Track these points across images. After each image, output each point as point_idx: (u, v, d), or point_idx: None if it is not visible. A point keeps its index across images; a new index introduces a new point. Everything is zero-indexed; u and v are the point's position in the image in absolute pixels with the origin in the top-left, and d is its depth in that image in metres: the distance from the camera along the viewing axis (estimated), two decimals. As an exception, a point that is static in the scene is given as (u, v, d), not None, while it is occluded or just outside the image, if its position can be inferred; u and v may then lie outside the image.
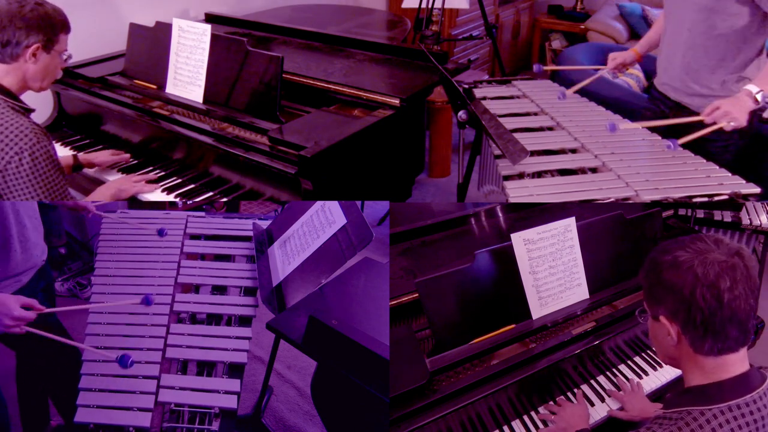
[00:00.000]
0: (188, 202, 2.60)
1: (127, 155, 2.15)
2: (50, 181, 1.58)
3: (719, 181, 1.70)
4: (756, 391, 0.99)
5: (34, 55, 1.59)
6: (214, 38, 2.07)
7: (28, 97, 1.70)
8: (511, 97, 2.32)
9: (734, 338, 0.98)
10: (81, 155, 2.09)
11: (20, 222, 1.71)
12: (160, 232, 2.00)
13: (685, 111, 2.11)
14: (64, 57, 1.68)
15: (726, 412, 0.96)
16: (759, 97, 1.81)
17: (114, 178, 2.05)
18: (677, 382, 1.63)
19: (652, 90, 2.33)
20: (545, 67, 2.43)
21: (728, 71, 2.01)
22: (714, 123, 1.84)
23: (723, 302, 0.95)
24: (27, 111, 1.63)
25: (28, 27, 1.56)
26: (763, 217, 2.32)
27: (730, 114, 1.81)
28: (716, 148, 1.97)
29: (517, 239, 1.56)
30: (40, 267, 1.80)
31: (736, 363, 1.00)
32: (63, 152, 2.23)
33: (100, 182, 2.06)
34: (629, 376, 1.63)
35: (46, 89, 1.72)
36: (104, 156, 2.11)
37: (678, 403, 1.01)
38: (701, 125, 1.87)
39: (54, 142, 2.25)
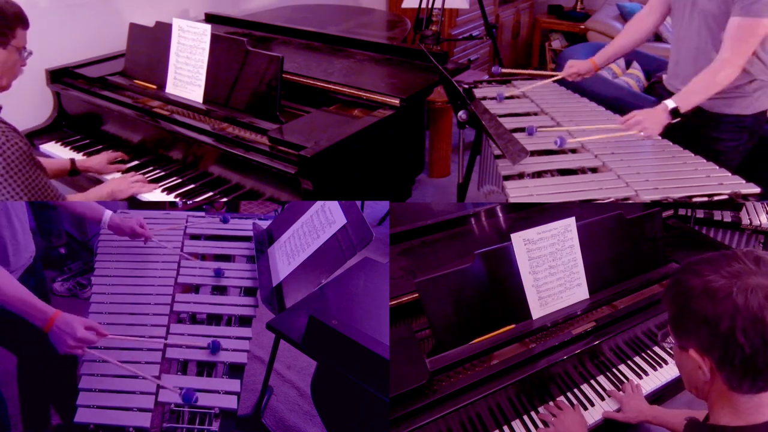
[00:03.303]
0: (188, 202, 2.60)
1: (121, 155, 2.14)
2: (28, 179, 1.54)
3: (719, 181, 1.70)
4: None
5: None
6: (214, 38, 2.07)
7: (27, 97, 1.68)
8: (511, 97, 2.32)
9: None
10: (78, 161, 2.07)
11: (11, 223, 1.68)
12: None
13: (699, 111, 2.09)
14: (25, 54, 1.64)
15: None
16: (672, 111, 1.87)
17: (114, 177, 2.05)
18: (677, 382, 1.63)
19: (660, 90, 2.31)
20: (503, 69, 2.45)
21: (741, 74, 2.00)
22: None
23: None
24: None
25: None
26: (763, 217, 2.33)
27: (642, 124, 1.88)
28: (726, 147, 1.97)
29: (517, 239, 1.56)
30: (29, 266, 1.78)
31: None
32: (63, 152, 2.23)
33: (100, 183, 2.06)
34: (629, 376, 1.63)
35: (7, 88, 1.66)
36: (100, 159, 2.08)
37: None
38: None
39: (54, 142, 2.28)
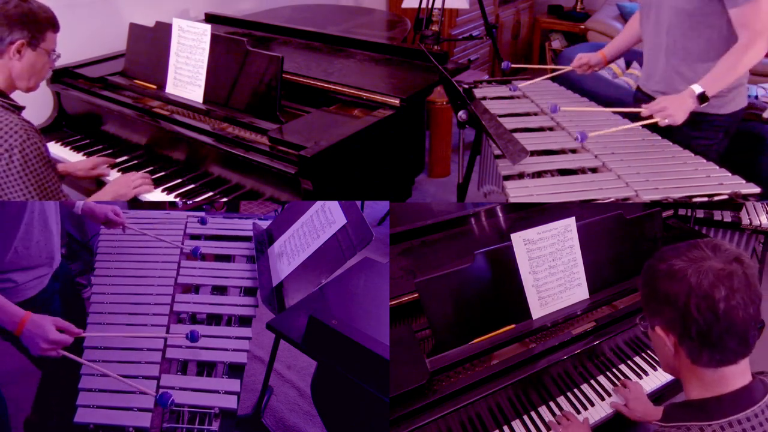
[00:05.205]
0: (188, 202, 2.60)
1: (110, 160, 2.13)
2: (42, 179, 1.57)
3: (719, 181, 1.70)
4: (758, 404, 0.95)
5: (18, 51, 1.59)
6: (214, 38, 2.07)
7: (27, 97, 1.69)
8: (511, 97, 2.32)
9: (733, 350, 0.95)
10: (60, 166, 2.05)
11: (46, 225, 1.68)
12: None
13: None
14: (53, 57, 1.66)
15: (726, 428, 0.93)
16: (699, 95, 1.83)
17: (114, 177, 2.05)
18: (677, 382, 1.63)
19: (637, 93, 2.30)
20: (513, 65, 2.43)
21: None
22: (650, 117, 1.88)
23: (718, 313, 0.91)
24: (17, 108, 1.61)
25: (10, 23, 1.56)
26: (763, 217, 2.33)
27: (667, 110, 1.85)
28: (701, 145, 1.96)
29: (517, 239, 1.56)
30: (55, 272, 1.76)
31: (737, 376, 0.97)
32: (63, 152, 2.23)
33: (101, 182, 2.06)
34: (629, 376, 1.64)
35: (34, 89, 1.69)
36: (83, 165, 2.07)
37: (677, 417, 0.99)
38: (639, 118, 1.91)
39: (54, 142, 2.28)
